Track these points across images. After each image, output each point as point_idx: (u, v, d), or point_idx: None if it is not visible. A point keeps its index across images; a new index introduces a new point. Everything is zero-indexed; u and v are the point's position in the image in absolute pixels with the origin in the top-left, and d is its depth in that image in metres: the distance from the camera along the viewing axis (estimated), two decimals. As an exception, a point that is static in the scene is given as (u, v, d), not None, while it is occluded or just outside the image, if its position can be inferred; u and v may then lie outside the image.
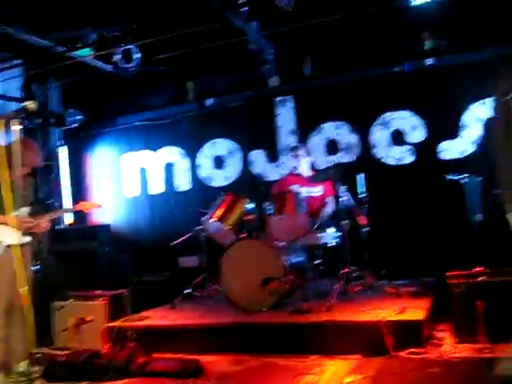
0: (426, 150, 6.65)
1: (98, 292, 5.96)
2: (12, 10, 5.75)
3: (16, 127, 3.29)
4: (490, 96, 5.97)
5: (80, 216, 7.81)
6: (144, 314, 5.82)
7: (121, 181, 8.44)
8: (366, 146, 6.95)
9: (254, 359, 4.59)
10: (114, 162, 8.47)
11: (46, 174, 8.23)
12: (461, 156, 6.48)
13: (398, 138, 6.79)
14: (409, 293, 5.47)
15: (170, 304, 6.06)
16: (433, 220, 6.41)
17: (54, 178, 8.33)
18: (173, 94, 8.00)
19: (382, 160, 6.87)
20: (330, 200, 6.23)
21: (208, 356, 4.76)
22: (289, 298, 5.45)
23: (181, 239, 6.54)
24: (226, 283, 5.56)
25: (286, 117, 7.43)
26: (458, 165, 6.36)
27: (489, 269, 4.59)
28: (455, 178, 5.78)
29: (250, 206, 5.81)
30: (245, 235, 5.72)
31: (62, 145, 8.52)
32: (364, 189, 5.83)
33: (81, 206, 5.38)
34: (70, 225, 8.25)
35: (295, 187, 5.98)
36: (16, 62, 7.41)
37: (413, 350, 4.28)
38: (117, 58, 6.46)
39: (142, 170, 8.28)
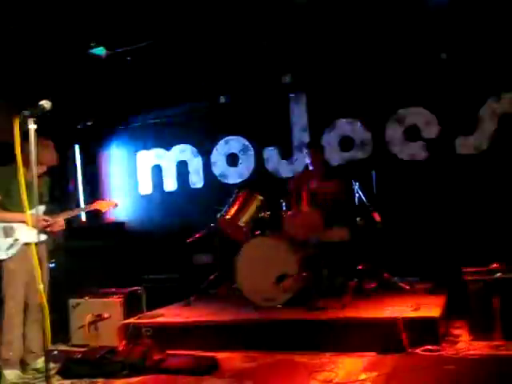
0: (440, 145, 6.59)
1: (113, 289, 6.00)
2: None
3: (31, 126, 3.30)
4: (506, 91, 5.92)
5: (95, 214, 7.85)
6: (158, 311, 5.85)
7: (135, 179, 8.47)
8: (380, 143, 6.91)
9: (269, 356, 4.60)
10: (128, 160, 8.51)
11: (61, 172, 8.29)
12: (476, 152, 6.44)
13: (412, 133, 6.75)
14: (423, 289, 5.46)
15: (184, 301, 6.08)
16: (447, 216, 6.36)
17: (70, 177, 8.38)
18: (186, 92, 8.00)
19: (397, 156, 6.83)
20: (344, 197, 6.21)
21: (222, 353, 4.78)
22: (303, 294, 5.46)
23: (195, 236, 6.56)
24: (240, 280, 5.57)
25: (299, 113, 7.41)
26: (473, 161, 6.31)
27: (505, 265, 4.56)
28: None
29: (265, 202, 5.81)
30: (259, 232, 5.73)
31: (76, 143, 8.58)
32: (378, 185, 5.81)
33: (97, 204, 5.40)
34: (85, 222, 8.31)
35: (310, 184, 5.97)
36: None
37: (428, 347, 4.27)
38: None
39: (156, 168, 8.31)
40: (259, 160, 7.61)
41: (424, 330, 4.38)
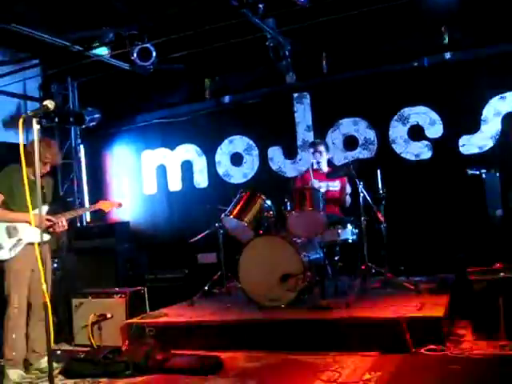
0: (444, 145, 6.58)
1: (117, 289, 6.01)
2: (29, 10, 5.79)
3: (35, 126, 3.31)
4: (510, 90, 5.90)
5: (99, 213, 7.86)
6: (162, 311, 5.85)
7: (139, 178, 8.48)
8: (384, 142, 6.90)
9: (273, 356, 4.58)
10: (133, 159, 8.51)
11: (65, 172, 8.31)
12: (480, 151, 6.41)
13: (416, 133, 6.74)
14: (427, 289, 5.44)
15: (188, 301, 6.08)
16: (452, 216, 6.36)
17: (74, 177, 8.40)
18: (190, 92, 8.01)
19: (401, 155, 6.82)
20: (348, 196, 6.21)
21: (226, 353, 4.76)
22: (307, 294, 5.45)
23: (199, 236, 6.55)
24: (244, 280, 5.56)
25: (303, 113, 7.40)
26: (477, 160, 6.29)
27: (509, 265, 4.54)
28: (475, 172, 5.71)
29: (268, 202, 5.80)
30: (263, 232, 5.72)
31: (80, 143, 8.60)
32: (382, 184, 5.80)
33: (101, 204, 5.40)
34: (89, 222, 8.33)
35: (314, 183, 5.96)
36: (34, 61, 7.48)
37: (432, 346, 4.25)
38: (134, 56, 6.47)
39: (160, 168, 8.31)
40: (263, 159, 7.61)
41: (428, 330, 4.36)
